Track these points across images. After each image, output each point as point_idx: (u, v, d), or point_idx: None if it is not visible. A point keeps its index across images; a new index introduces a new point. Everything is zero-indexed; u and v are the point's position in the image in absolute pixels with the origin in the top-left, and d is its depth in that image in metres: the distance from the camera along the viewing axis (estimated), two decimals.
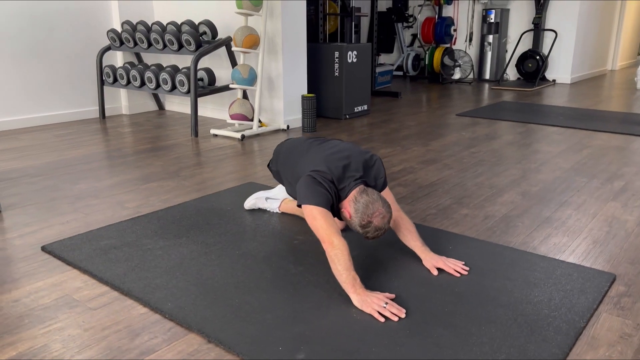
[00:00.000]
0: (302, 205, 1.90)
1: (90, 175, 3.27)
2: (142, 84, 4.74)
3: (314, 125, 4.63)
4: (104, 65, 5.11)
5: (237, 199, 2.78)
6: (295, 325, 1.63)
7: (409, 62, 8.89)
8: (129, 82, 4.86)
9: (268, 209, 2.62)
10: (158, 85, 4.60)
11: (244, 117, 4.34)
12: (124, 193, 2.93)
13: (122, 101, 5.47)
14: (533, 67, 7.85)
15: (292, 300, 1.78)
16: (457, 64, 8.19)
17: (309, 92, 5.32)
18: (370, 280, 1.92)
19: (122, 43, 4.94)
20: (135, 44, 4.83)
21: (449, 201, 2.81)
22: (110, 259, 2.09)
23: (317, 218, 1.85)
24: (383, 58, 9.55)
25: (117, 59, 5.34)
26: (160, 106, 5.70)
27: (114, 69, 4.96)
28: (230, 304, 1.75)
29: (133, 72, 4.75)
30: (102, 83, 5.08)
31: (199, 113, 5.41)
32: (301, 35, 4.66)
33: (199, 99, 5.32)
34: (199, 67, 4.73)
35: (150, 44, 4.70)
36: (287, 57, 4.56)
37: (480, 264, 2.06)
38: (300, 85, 4.76)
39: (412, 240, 2.05)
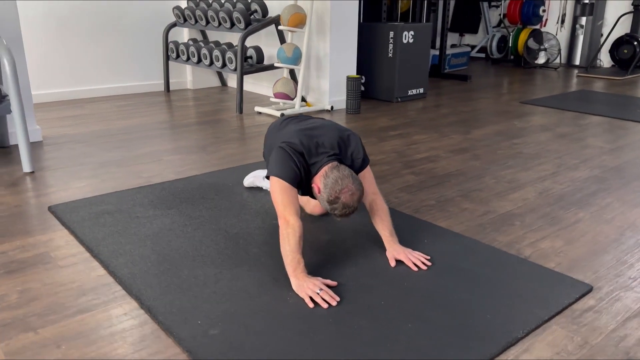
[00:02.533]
0: (269, 177, 1.90)
1: (125, 144, 3.51)
2: (199, 60, 4.95)
3: (358, 107, 4.57)
4: (169, 40, 5.39)
5: (244, 177, 2.85)
6: (226, 302, 1.67)
7: (494, 43, 8.39)
8: (188, 58, 5.09)
9: (264, 188, 2.67)
10: (212, 62, 4.78)
11: (286, 96, 4.39)
12: (146, 163, 3.12)
13: (187, 76, 5.75)
14: (629, 53, 7.08)
15: (236, 278, 1.82)
16: (542, 47, 7.60)
17: (359, 73, 5.24)
18: (324, 266, 1.90)
19: (185, 20, 5.18)
20: (196, 21, 5.03)
21: (454, 194, 2.67)
22: (98, 223, 2.26)
23: (277, 192, 1.86)
24: (468, 39, 9.12)
25: (184, 35, 5.61)
26: (223, 82, 5.92)
27: (177, 44, 5.21)
28: (178, 275, 1.83)
29: (192, 49, 4.97)
30: (167, 58, 5.37)
31: (253, 90, 5.55)
32: (352, 14, 4.58)
33: (254, 77, 5.45)
34: (249, 44, 4.84)
35: (207, 22, 4.88)
36: (335, 37, 4.51)
37: (446, 260, 1.96)
38: (348, 66, 4.70)
39: (382, 228, 2.00)
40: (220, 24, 4.72)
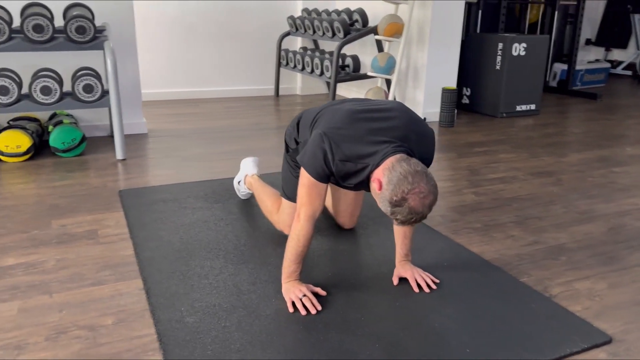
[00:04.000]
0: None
1: (214, 142, 3.78)
2: (303, 67, 5.14)
3: (452, 120, 4.39)
4: (282, 48, 5.67)
5: None
6: (215, 294, 1.74)
7: None
8: (295, 65, 5.32)
9: (241, 191, 2.57)
10: (313, 70, 4.93)
11: None
12: (223, 160, 3.34)
13: (297, 82, 6.00)
14: None
15: (236, 273, 1.89)
16: None
17: (464, 86, 5.02)
18: (323, 275, 1.89)
19: (297, 29, 5.41)
20: (305, 30, 5.24)
21: (508, 219, 2.46)
22: (150, 209, 2.49)
23: (303, 186, 1.67)
24: (617, 54, 8.20)
25: (298, 43, 5.86)
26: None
27: (287, 52, 5.47)
28: (187, 264, 1.95)
29: (298, 57, 5.19)
30: (279, 65, 5.66)
31: (347, 94, 5.58)
32: (455, 24, 4.41)
33: (351, 84, 5.50)
34: (348, 53, 4.90)
35: (314, 31, 5.05)
36: (434, 47, 4.38)
37: (455, 287, 1.82)
38: (447, 77, 4.53)
39: (401, 245, 1.87)
40: (324, 33, 4.86)
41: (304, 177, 1.66)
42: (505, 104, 4.75)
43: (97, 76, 3.29)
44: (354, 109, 1.67)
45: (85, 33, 3.15)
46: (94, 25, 3.18)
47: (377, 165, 1.55)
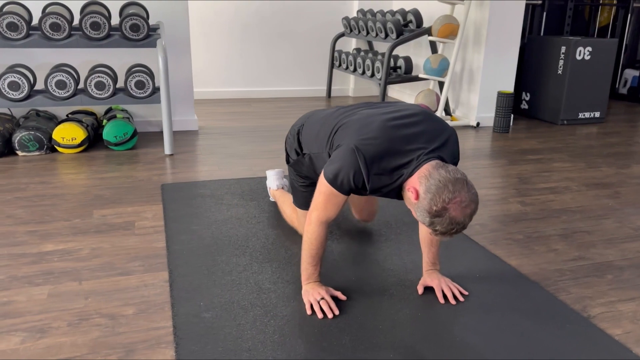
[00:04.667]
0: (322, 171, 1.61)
1: (259, 140, 3.81)
2: (355, 69, 5.09)
3: (507, 126, 4.20)
4: (336, 49, 5.65)
5: None
6: (235, 291, 1.74)
7: None
8: (347, 66, 5.28)
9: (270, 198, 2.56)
10: (364, 71, 4.88)
11: (426, 108, 4.24)
12: (265, 159, 3.35)
13: (350, 84, 5.96)
14: None
15: (259, 272, 1.88)
16: None
17: (524, 90, 4.81)
18: (346, 279, 1.85)
19: (351, 30, 5.38)
20: (359, 31, 5.19)
21: (554, 232, 2.31)
22: (188, 203, 2.53)
23: (321, 193, 1.60)
24: None
25: (352, 44, 5.82)
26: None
27: (340, 53, 5.45)
28: (214, 259, 1.96)
29: (350, 58, 5.15)
30: (332, 66, 5.65)
31: (403, 99, 5.49)
32: (514, 26, 4.22)
33: (402, 87, 5.40)
34: (403, 54, 4.80)
35: (368, 32, 5.00)
36: (491, 49, 4.22)
37: (484, 300, 1.73)
38: (504, 81, 4.34)
39: (428, 253, 1.80)
40: (377, 34, 4.79)
41: (324, 185, 1.58)
42: (566, 111, 4.50)
43: (150, 73, 3.40)
44: (385, 118, 1.58)
45: (139, 31, 3.26)
46: (147, 23, 3.28)
47: (411, 174, 1.48)
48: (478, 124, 4.32)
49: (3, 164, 3.07)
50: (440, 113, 4.24)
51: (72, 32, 3.17)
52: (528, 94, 4.82)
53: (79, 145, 3.32)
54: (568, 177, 3.08)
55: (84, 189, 2.70)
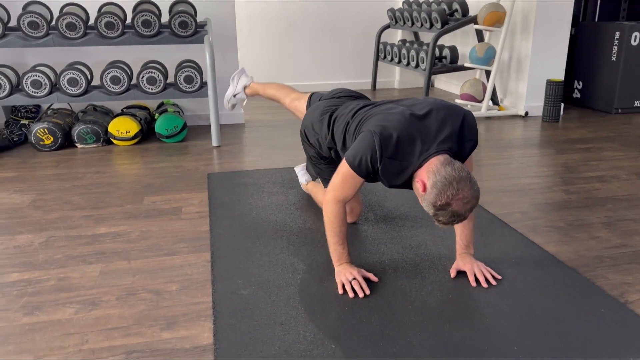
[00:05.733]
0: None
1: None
2: (400, 60, 5.08)
3: (557, 115, 4.08)
4: (381, 41, 5.65)
5: None
6: (272, 271, 1.82)
7: None
8: (392, 58, 5.28)
9: (241, 101, 2.91)
10: (409, 62, 4.86)
11: (472, 98, 4.20)
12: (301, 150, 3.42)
13: (395, 76, 5.94)
14: None
15: (295, 254, 1.95)
16: None
17: (574, 78, 4.65)
18: (378, 261, 1.89)
19: (396, 21, 5.36)
20: (404, 22, 5.17)
21: (598, 220, 2.25)
22: (232, 191, 2.64)
23: (339, 174, 1.69)
24: None
25: (397, 36, 5.80)
26: (431, 83, 5.93)
27: (385, 45, 5.45)
28: (253, 242, 2.05)
29: (395, 49, 5.14)
30: (377, 58, 5.65)
31: (450, 90, 5.42)
32: (564, 12, 4.09)
33: (449, 77, 5.33)
34: (451, 44, 4.75)
35: (413, 23, 4.97)
36: (540, 37, 4.11)
37: (519, 285, 1.72)
38: (554, 69, 4.22)
39: (461, 236, 1.82)
40: (422, 24, 4.77)
41: (344, 166, 1.67)
42: (620, 99, 4.32)
43: (198, 68, 3.54)
44: (403, 109, 1.67)
45: (187, 28, 3.40)
46: (195, 20, 3.42)
47: (421, 165, 1.57)
48: (526, 113, 4.23)
49: (63, 155, 3.29)
50: (486, 102, 4.17)
51: (125, 30, 3.35)
52: (580, 83, 4.66)
53: (133, 138, 3.51)
54: (618, 166, 2.98)
55: (136, 178, 2.87)
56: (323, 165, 2.14)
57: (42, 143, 3.35)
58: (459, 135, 1.62)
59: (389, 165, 1.60)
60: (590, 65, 4.53)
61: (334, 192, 1.71)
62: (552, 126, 3.99)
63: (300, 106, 2.41)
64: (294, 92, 2.52)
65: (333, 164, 1.98)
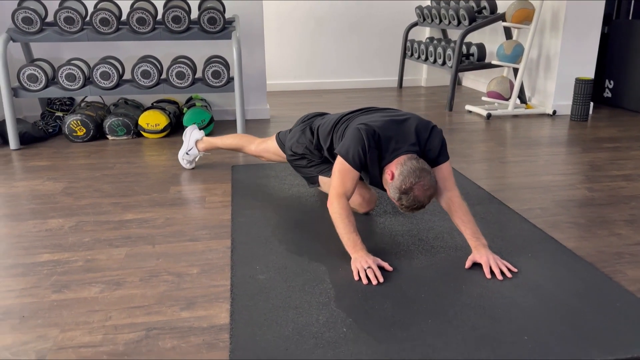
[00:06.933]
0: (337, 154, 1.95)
1: None
2: (426, 58, 5.07)
3: (586, 114, 4.01)
4: (408, 39, 5.65)
5: None
6: (289, 257, 1.86)
7: None
8: (419, 56, 5.27)
9: (194, 157, 2.93)
10: (435, 60, 4.84)
11: (499, 96, 4.16)
12: None
13: (422, 74, 5.93)
14: None
15: (314, 240, 1.99)
16: None
17: (605, 78, 4.55)
18: (394, 252, 1.92)
19: (424, 19, 5.35)
20: (432, 19, 5.16)
21: (620, 217, 2.23)
22: (254, 182, 2.69)
23: (336, 172, 1.91)
24: None
25: (425, 34, 5.79)
26: (459, 82, 5.89)
27: (412, 43, 5.44)
28: (273, 231, 2.10)
29: (422, 47, 5.13)
30: (404, 56, 5.65)
31: (477, 88, 5.38)
32: (595, 10, 4.02)
33: (477, 76, 5.28)
34: (479, 42, 4.71)
35: (440, 20, 4.96)
36: (569, 35, 4.05)
37: (534, 278, 1.73)
38: (584, 68, 4.15)
39: (464, 228, 1.87)
40: (449, 22, 4.75)
41: (340, 163, 1.91)
42: None
43: (225, 64, 3.61)
44: (383, 114, 2.03)
45: (215, 24, 3.48)
46: (223, 17, 3.49)
47: (391, 160, 1.87)
48: (554, 112, 4.17)
49: (95, 146, 3.41)
50: (513, 100, 4.13)
51: (155, 26, 3.45)
52: (611, 82, 4.57)
53: (162, 131, 3.61)
54: None
55: (163, 169, 2.95)
56: (315, 168, 2.34)
57: (75, 134, 3.48)
58: (425, 144, 1.92)
59: (373, 154, 1.88)
60: (622, 64, 4.44)
61: (335, 190, 1.90)
62: (581, 125, 3.93)
63: (269, 146, 2.61)
64: (255, 138, 2.76)
65: (324, 164, 2.30)
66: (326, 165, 2.30)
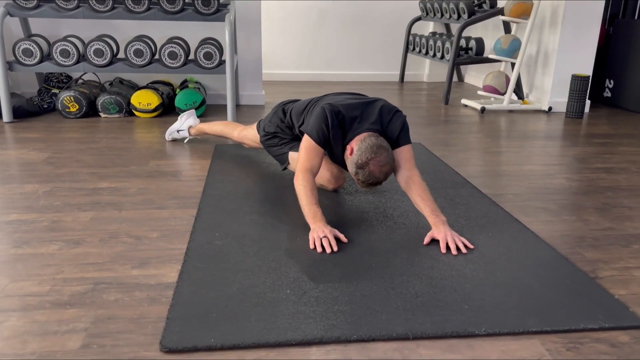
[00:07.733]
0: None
1: None
2: (427, 52, 5.05)
3: (581, 111, 3.97)
4: (411, 33, 5.63)
5: None
6: (252, 227, 1.88)
7: None
8: (420, 50, 5.25)
9: (182, 138, 3.07)
10: (434, 54, 4.83)
11: (495, 90, 4.14)
12: None
13: (425, 69, 5.91)
14: None
15: (274, 216, 2.01)
16: None
17: (605, 77, 4.50)
18: (355, 227, 1.93)
19: (427, 13, 5.33)
20: (435, 14, 5.14)
21: (593, 205, 2.21)
22: (233, 161, 2.71)
23: (302, 149, 1.99)
24: None
25: (429, 28, 5.77)
26: (460, 77, 5.86)
27: (415, 37, 5.42)
28: (239, 204, 2.11)
29: (423, 41, 5.11)
30: (406, 50, 5.64)
31: (479, 85, 5.33)
32: (594, 6, 3.98)
33: (478, 70, 5.25)
34: (476, 36, 4.69)
35: (442, 14, 4.94)
36: (568, 31, 4.01)
37: (489, 255, 1.72)
38: (581, 65, 4.10)
39: (423, 207, 1.88)
40: (450, 15, 4.73)
41: (305, 140, 1.98)
42: None
43: (218, 46, 3.64)
44: (349, 97, 2.11)
45: (209, 5, 3.51)
46: None
47: (353, 138, 1.94)
48: (550, 108, 4.13)
49: (86, 122, 3.46)
50: (509, 95, 4.10)
51: (150, 6, 3.49)
52: (612, 81, 4.51)
53: (154, 111, 3.65)
54: (631, 160, 2.89)
55: (148, 145, 2.99)
56: (285, 146, 2.38)
57: (68, 110, 3.53)
58: (387, 125, 1.97)
59: (337, 132, 1.95)
60: (623, 63, 4.38)
61: (301, 165, 1.95)
62: (575, 122, 3.89)
63: (249, 133, 2.68)
64: (239, 125, 2.84)
65: (294, 142, 2.35)
66: (296, 142, 2.32)
